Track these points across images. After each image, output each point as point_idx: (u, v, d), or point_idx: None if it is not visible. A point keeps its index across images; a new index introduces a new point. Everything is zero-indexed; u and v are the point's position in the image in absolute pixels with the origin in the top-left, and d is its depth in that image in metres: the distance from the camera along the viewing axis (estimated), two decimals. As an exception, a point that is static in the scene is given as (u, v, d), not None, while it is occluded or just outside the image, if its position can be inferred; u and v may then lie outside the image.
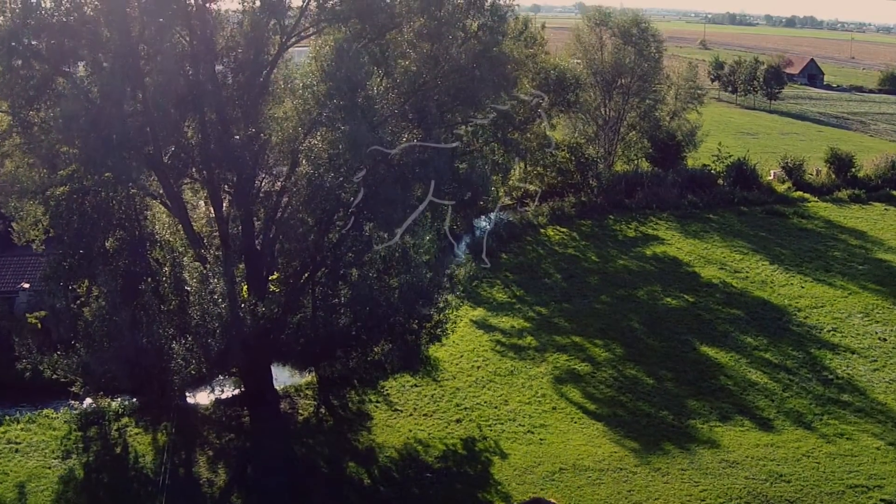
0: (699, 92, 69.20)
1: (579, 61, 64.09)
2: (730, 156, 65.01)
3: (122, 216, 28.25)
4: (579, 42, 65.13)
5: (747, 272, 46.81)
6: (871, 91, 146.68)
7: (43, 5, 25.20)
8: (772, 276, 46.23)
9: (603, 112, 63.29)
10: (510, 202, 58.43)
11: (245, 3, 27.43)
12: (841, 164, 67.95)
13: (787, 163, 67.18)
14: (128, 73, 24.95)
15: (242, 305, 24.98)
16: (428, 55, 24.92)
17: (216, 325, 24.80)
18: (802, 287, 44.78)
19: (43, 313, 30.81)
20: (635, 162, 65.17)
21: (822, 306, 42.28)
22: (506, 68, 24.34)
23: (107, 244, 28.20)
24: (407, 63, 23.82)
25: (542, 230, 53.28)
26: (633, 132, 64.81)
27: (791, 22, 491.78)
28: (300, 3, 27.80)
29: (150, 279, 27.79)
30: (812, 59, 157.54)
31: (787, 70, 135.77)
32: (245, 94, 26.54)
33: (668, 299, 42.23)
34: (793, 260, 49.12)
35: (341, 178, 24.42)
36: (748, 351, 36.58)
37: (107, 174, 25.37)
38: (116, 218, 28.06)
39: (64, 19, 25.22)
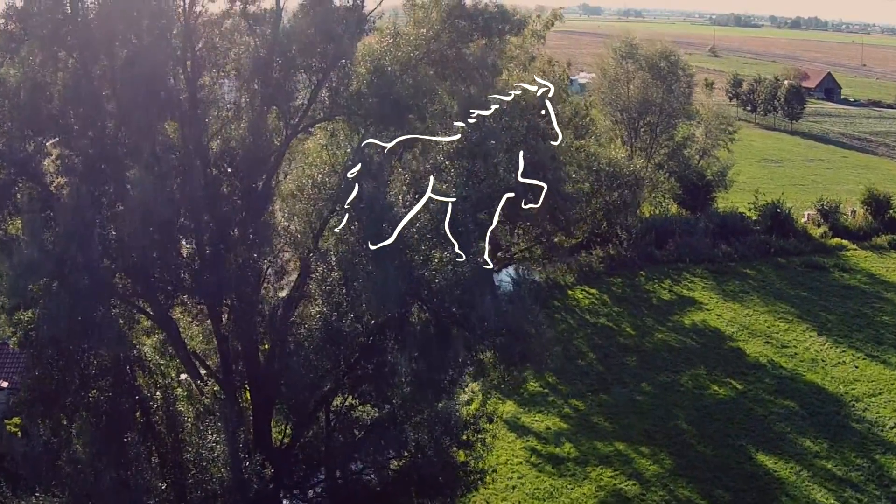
0: (730, 129, 65.19)
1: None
2: (767, 203, 60.87)
3: (103, 338, 24.12)
4: (604, 76, 61.20)
5: (795, 347, 42.88)
6: (889, 106, 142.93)
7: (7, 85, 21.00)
8: (822, 353, 42.29)
9: (630, 152, 59.24)
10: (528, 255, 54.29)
11: (242, 93, 23.40)
12: (878, 205, 64.02)
13: (822, 205, 63.27)
14: (102, 190, 20.86)
15: (247, 465, 21.01)
16: (468, 171, 20.91)
17: (217, 488, 20.86)
18: (856, 367, 40.86)
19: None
20: (663, 205, 61.15)
21: (879, 393, 38.42)
22: (560, 174, 20.13)
23: (87, 370, 24.17)
24: (444, 187, 19.75)
25: (569, 291, 49.26)
26: (661, 172, 60.84)
27: (796, 23, 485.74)
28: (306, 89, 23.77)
29: (138, 413, 23.84)
30: (829, 73, 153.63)
31: (804, 84, 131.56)
32: (244, 204, 22.50)
33: (715, 387, 38.25)
34: (840, 329, 45.21)
35: (363, 322, 20.53)
36: (808, 459, 32.67)
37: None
38: (96, 341, 23.93)
39: (30, 113, 21.13)
